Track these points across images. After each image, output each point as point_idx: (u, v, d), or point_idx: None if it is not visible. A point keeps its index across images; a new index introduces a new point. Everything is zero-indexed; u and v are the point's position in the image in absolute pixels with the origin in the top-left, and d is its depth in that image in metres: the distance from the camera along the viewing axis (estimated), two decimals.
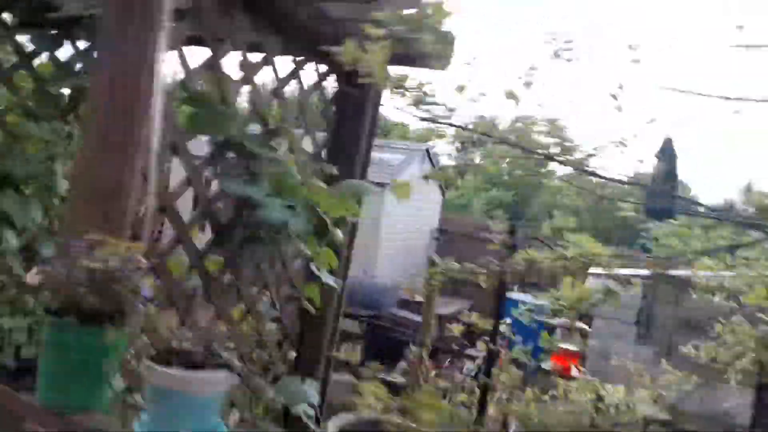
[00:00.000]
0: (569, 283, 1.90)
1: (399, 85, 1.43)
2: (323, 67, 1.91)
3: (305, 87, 1.89)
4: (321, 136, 2.03)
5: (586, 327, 4.59)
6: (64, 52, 2.25)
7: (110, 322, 1.01)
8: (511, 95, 1.57)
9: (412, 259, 8.07)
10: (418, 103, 1.44)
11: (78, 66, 2.22)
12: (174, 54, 1.54)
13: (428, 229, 9.14)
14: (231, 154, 1.53)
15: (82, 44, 2.24)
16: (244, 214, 1.59)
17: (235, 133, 1.47)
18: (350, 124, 1.96)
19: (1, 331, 1.53)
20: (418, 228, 8.90)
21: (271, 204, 1.49)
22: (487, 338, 3.03)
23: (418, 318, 3.83)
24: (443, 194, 10.02)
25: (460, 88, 1.50)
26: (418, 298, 5.54)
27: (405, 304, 6.35)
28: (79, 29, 2.21)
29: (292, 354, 2.08)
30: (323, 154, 2.02)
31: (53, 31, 2.21)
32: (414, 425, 2.14)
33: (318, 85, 1.94)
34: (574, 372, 4.28)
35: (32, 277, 1.33)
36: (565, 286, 1.91)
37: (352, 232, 2.04)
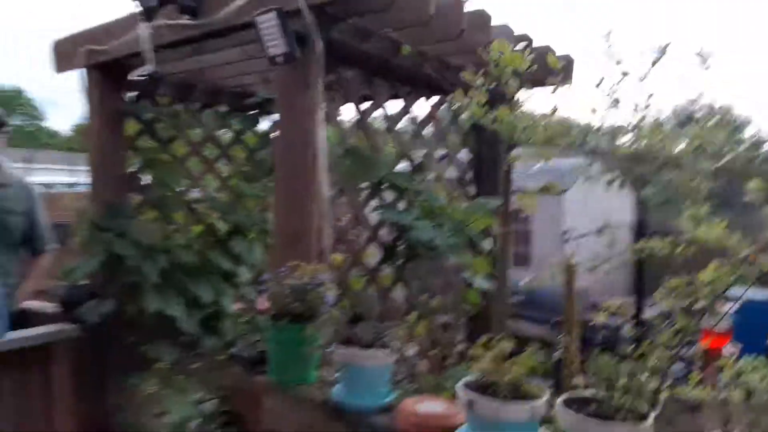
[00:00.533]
0: None
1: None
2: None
3: (443, 124, 2.25)
4: (464, 163, 2.36)
5: None
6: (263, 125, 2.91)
7: (308, 321, 1.46)
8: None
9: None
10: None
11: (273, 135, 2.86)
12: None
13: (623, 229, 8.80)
14: (385, 191, 1.94)
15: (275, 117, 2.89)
16: (403, 237, 1.98)
17: (386, 174, 1.88)
18: (487, 149, 2.26)
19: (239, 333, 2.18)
20: (611, 229, 8.62)
21: (421, 226, 1.85)
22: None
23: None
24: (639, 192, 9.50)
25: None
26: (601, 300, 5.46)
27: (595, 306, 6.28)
28: (270, 106, 2.86)
29: (465, 351, 2.41)
30: (468, 177, 2.35)
31: (253, 112, 2.88)
32: None
33: (453, 121, 2.28)
34: None
35: (261, 303, 1.85)
36: None
37: (503, 240, 2.31)
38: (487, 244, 2.10)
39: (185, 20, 1.84)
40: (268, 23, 1.53)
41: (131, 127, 2.47)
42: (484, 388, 1.09)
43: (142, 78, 1.95)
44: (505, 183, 2.36)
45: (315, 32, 1.57)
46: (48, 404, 2.22)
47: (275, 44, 1.53)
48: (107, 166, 2.37)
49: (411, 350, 2.02)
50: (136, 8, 1.93)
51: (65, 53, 2.42)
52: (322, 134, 1.62)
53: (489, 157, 2.32)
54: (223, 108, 2.81)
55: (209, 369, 2.62)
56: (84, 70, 2.38)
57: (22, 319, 2.58)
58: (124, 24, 2.16)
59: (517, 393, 1.07)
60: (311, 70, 1.57)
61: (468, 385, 1.10)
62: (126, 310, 2.32)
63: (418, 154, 2.13)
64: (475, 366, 1.09)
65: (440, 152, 2.29)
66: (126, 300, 2.31)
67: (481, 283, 2.10)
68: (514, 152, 1.58)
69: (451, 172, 2.32)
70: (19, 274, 2.64)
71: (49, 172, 9.91)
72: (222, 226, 2.65)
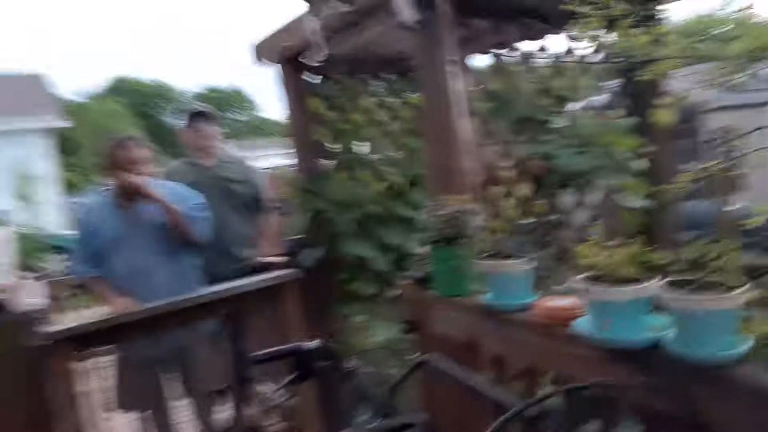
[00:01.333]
0: None
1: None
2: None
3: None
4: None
5: None
6: None
7: (461, 242, 1.76)
8: None
9: None
10: None
11: None
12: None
13: None
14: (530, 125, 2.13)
15: None
16: (550, 166, 2.16)
17: (527, 110, 2.07)
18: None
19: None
20: None
21: (564, 154, 2.02)
22: None
23: None
24: None
25: None
26: None
27: None
28: None
29: None
30: (619, 103, 2.39)
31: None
32: None
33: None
34: None
35: None
36: None
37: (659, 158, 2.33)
38: (638, 164, 2.16)
39: (345, 8, 2.22)
40: None
41: (317, 104, 2.97)
42: (596, 279, 1.30)
43: (320, 63, 2.38)
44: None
45: None
46: (284, 325, 2.88)
47: (407, 13, 1.82)
48: (304, 141, 2.91)
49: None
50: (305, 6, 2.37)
51: (262, 52, 3.00)
52: (459, 84, 1.88)
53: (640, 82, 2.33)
54: (389, 75, 3.19)
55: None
56: (278, 65, 2.94)
57: (264, 267, 3.33)
58: (300, 22, 2.63)
59: (623, 279, 1.25)
60: (440, 29, 1.84)
61: (583, 279, 1.32)
62: (332, 255, 2.86)
63: (561, 88, 2.26)
64: (586, 260, 1.29)
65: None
66: (331, 246, 2.85)
67: (634, 202, 2.18)
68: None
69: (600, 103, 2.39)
70: (253, 233, 3.41)
71: (268, 157, 11.49)
72: (400, 180, 3.06)
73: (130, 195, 2.67)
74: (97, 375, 2.42)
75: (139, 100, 62.38)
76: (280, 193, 4.49)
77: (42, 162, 14.14)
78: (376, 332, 2.86)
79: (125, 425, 2.59)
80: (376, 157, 3.10)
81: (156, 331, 2.52)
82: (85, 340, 2.38)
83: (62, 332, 2.34)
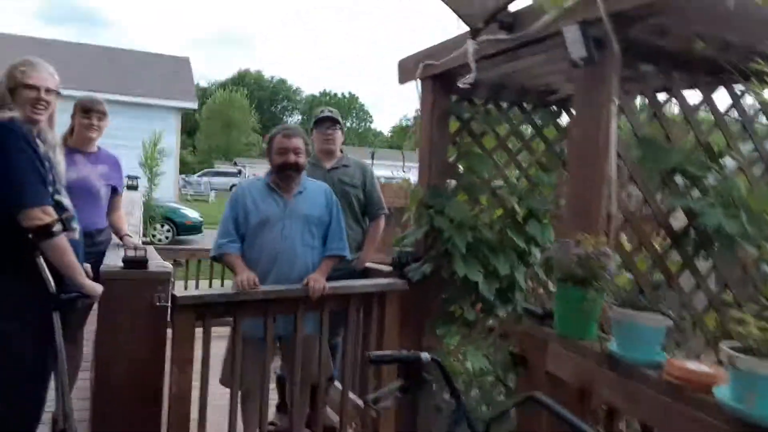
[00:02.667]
0: None
1: None
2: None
3: (747, 112, 2.19)
4: None
5: None
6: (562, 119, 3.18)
7: (589, 285, 1.72)
8: None
9: None
10: None
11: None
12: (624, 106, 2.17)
13: None
14: (678, 178, 2.04)
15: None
16: (693, 224, 2.05)
17: (679, 162, 1.99)
18: None
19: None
20: None
21: (711, 213, 1.91)
22: None
23: None
24: None
25: None
26: None
27: None
28: (569, 102, 3.12)
29: None
30: None
31: (554, 107, 3.18)
32: None
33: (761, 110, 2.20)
34: None
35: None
36: None
37: None
38: None
39: (503, 35, 2.25)
40: (572, 33, 1.82)
41: (452, 125, 3.02)
42: (745, 350, 1.22)
43: (467, 85, 2.42)
44: None
45: (613, 36, 1.80)
46: (381, 333, 2.92)
47: (577, 49, 1.82)
48: (433, 156, 2.96)
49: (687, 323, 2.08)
50: (464, 30, 2.42)
51: (407, 68, 3.09)
52: (614, 125, 1.84)
53: None
54: (527, 105, 3.18)
55: (500, 329, 3.04)
56: (419, 81, 3.01)
57: (365, 272, 3.40)
58: (451, 44, 2.69)
59: None
60: (607, 68, 1.82)
61: (731, 347, 1.24)
62: (440, 272, 2.88)
63: (718, 143, 2.15)
64: (739, 329, 1.22)
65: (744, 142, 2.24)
66: (440, 264, 2.87)
67: None
68: None
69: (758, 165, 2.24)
70: (360, 237, 3.49)
71: (377, 167, 11.75)
72: (519, 210, 3.03)
73: (287, 181, 2.83)
74: (208, 344, 2.56)
75: (259, 93, 66.21)
76: (392, 202, 4.57)
77: (169, 138, 15.31)
78: (469, 358, 2.83)
79: (223, 397, 2.72)
80: (499, 183, 3.09)
81: (268, 314, 2.63)
82: (206, 309, 2.54)
83: (190, 298, 2.51)
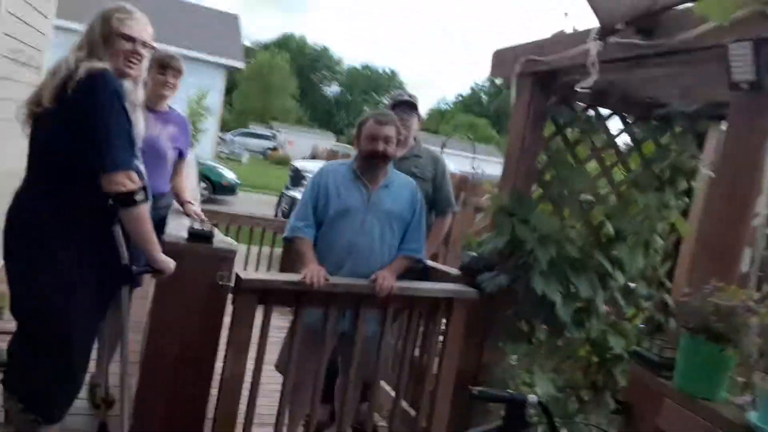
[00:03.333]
0: None
1: None
2: None
3: None
4: None
5: None
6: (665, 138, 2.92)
7: (728, 342, 1.51)
8: None
9: None
10: None
11: (674, 147, 2.86)
12: None
13: None
14: None
15: (677, 130, 2.88)
16: None
17: None
18: None
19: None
20: None
21: None
22: None
23: None
24: None
25: None
26: None
27: None
28: (676, 120, 2.86)
29: None
30: None
31: (656, 123, 2.92)
32: None
33: None
34: None
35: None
36: None
37: None
38: None
39: (637, 40, 2.01)
40: (740, 50, 1.58)
41: (548, 128, 2.79)
42: None
43: (585, 89, 2.19)
44: None
45: None
46: (443, 341, 2.75)
47: (743, 70, 1.58)
48: (522, 160, 2.74)
49: None
50: (591, 28, 2.18)
51: (503, 61, 2.86)
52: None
53: None
54: (629, 116, 2.93)
55: (570, 355, 2.85)
56: (516, 76, 2.78)
57: (426, 273, 3.21)
58: (564, 41, 2.45)
59: None
60: None
61: None
62: (515, 286, 2.68)
63: None
64: None
65: None
66: (516, 276, 2.67)
67: None
68: None
69: None
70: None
71: None
72: (607, 229, 2.80)
73: (374, 170, 2.65)
74: (267, 329, 2.42)
75: (300, 59, 65.80)
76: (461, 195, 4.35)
77: (213, 95, 15.23)
78: (536, 382, 2.65)
79: (271, 381, 2.59)
80: (587, 198, 2.86)
81: (332, 307, 2.48)
82: (269, 294, 2.39)
83: (255, 282, 2.36)
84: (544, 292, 2.59)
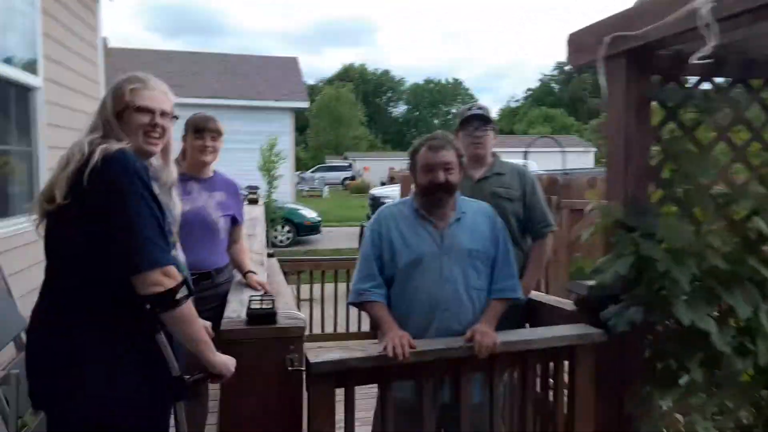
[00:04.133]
0: None
1: None
2: None
3: None
4: None
5: None
6: None
7: None
8: None
9: None
10: None
11: None
12: None
13: None
14: None
15: None
16: None
17: None
18: None
19: None
20: None
21: None
22: None
23: None
24: None
25: None
26: None
27: None
28: None
29: None
30: None
31: None
32: None
33: None
34: None
35: None
36: None
37: None
38: None
39: None
40: None
41: (656, 114, 2.24)
42: None
43: (703, 61, 1.66)
44: None
45: None
46: (572, 400, 2.22)
47: None
48: (630, 158, 2.20)
49: None
50: None
51: (583, 44, 2.34)
52: None
53: None
54: (754, 82, 2.32)
55: (741, 393, 2.24)
56: (603, 59, 2.26)
57: (532, 310, 2.69)
58: (659, 6, 1.93)
59: None
60: None
61: None
62: (651, 318, 2.13)
63: None
64: None
65: None
66: (652, 308, 2.12)
67: None
68: None
69: None
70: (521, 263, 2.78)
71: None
72: (756, 225, 2.19)
73: (439, 206, 2.25)
74: (352, 414, 2.03)
75: (364, 87, 66.69)
76: (552, 200, 3.76)
77: (284, 139, 15.40)
78: (698, 431, 2.07)
79: None
80: (722, 190, 2.27)
81: (424, 378, 2.05)
82: (347, 375, 2.01)
83: (327, 365, 1.97)
84: (693, 322, 2.02)
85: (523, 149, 16.89)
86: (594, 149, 36.73)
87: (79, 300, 1.64)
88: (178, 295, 1.61)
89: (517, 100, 74.24)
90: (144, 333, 1.65)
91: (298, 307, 5.28)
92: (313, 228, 13.41)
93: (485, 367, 2.11)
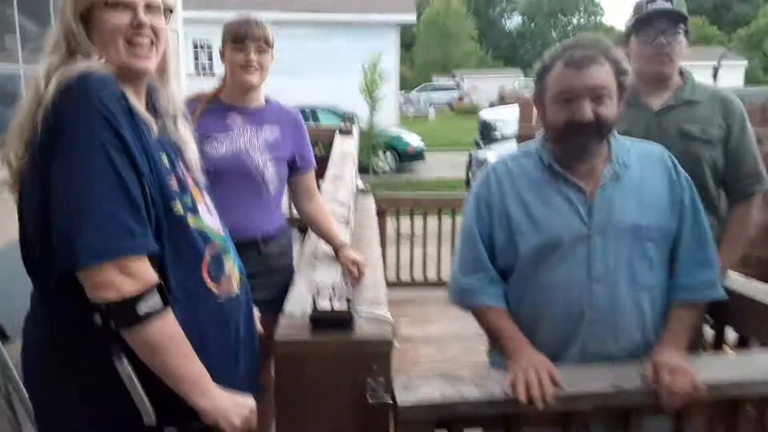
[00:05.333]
0: None
1: None
2: None
3: None
4: None
5: None
6: None
7: None
8: None
9: None
10: None
11: None
12: None
13: None
14: None
15: None
16: None
17: None
18: None
19: None
20: None
21: None
22: None
23: None
24: None
25: None
26: None
27: None
28: None
29: None
30: None
31: None
32: None
33: None
34: None
35: None
36: None
37: None
38: None
39: None
40: None
41: None
42: None
43: None
44: None
45: None
46: None
47: None
48: None
49: None
50: None
51: None
52: None
53: None
54: None
55: None
56: None
57: (720, 304, 1.83)
58: None
59: None
60: None
61: None
62: None
63: None
64: None
65: None
66: None
67: None
68: None
69: None
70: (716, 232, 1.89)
71: None
72: None
73: (585, 156, 1.44)
74: None
75: None
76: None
77: (388, 57, 14.47)
78: None
79: None
80: None
81: (572, 429, 1.33)
82: (453, 423, 1.33)
83: (422, 410, 1.30)
84: None
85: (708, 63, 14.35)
86: (744, 62, 32.26)
87: (34, 305, 1.17)
88: (143, 308, 1.02)
89: None
90: (97, 359, 1.07)
91: (398, 250, 4.73)
92: (417, 155, 12.68)
93: (671, 416, 1.35)
